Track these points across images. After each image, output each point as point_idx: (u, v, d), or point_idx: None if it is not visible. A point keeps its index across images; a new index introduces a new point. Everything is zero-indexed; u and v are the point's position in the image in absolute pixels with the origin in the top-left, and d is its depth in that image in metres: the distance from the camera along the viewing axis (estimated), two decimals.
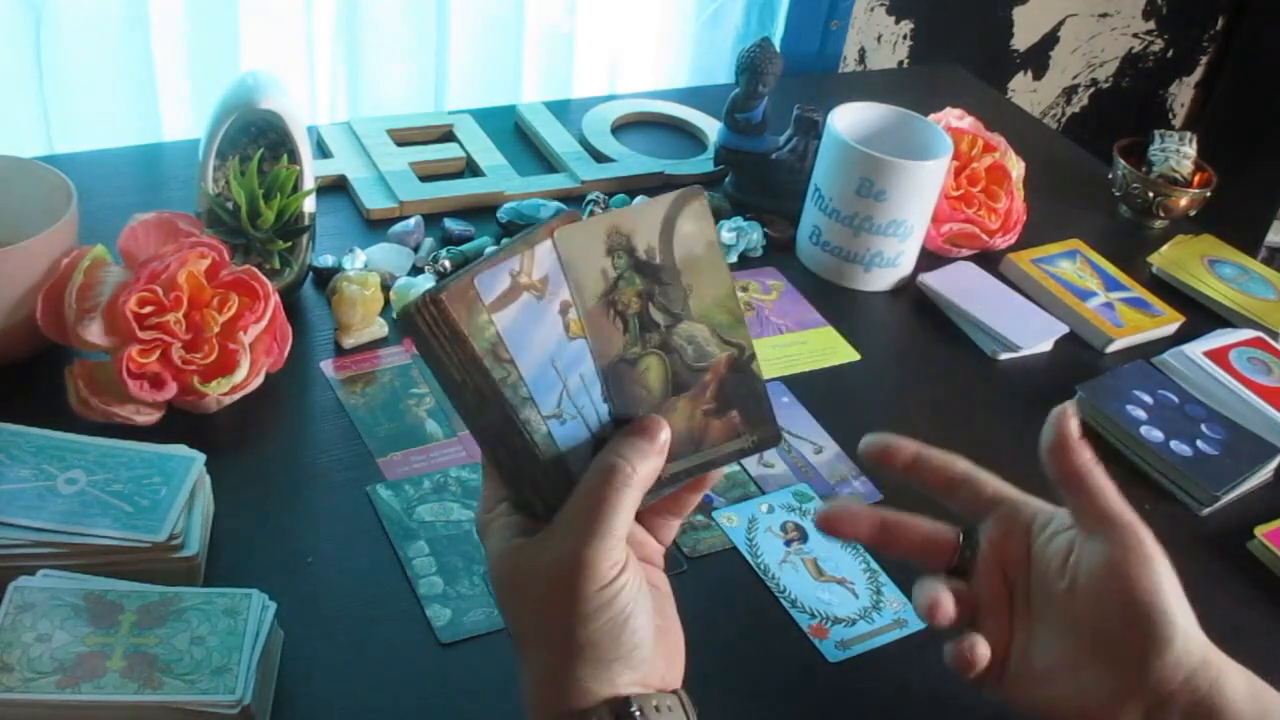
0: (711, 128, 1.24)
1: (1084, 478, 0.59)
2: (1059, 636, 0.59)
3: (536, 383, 0.51)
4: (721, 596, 0.75)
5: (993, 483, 0.63)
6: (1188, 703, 0.56)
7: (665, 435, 0.53)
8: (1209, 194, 1.21)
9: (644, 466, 0.51)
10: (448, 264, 0.97)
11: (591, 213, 1.04)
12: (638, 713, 0.50)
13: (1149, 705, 0.56)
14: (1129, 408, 0.93)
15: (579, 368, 0.52)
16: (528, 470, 0.52)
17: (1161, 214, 1.21)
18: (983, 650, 0.59)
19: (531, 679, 0.52)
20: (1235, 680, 0.57)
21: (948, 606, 0.60)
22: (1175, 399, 0.95)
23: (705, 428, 0.55)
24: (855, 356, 0.98)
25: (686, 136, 1.26)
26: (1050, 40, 1.81)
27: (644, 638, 0.51)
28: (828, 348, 0.98)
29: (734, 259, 1.06)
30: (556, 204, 1.04)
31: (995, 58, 1.77)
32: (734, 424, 0.56)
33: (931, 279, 1.06)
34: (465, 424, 0.54)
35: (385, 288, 0.92)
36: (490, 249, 0.95)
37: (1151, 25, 1.90)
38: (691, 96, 1.32)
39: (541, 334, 0.51)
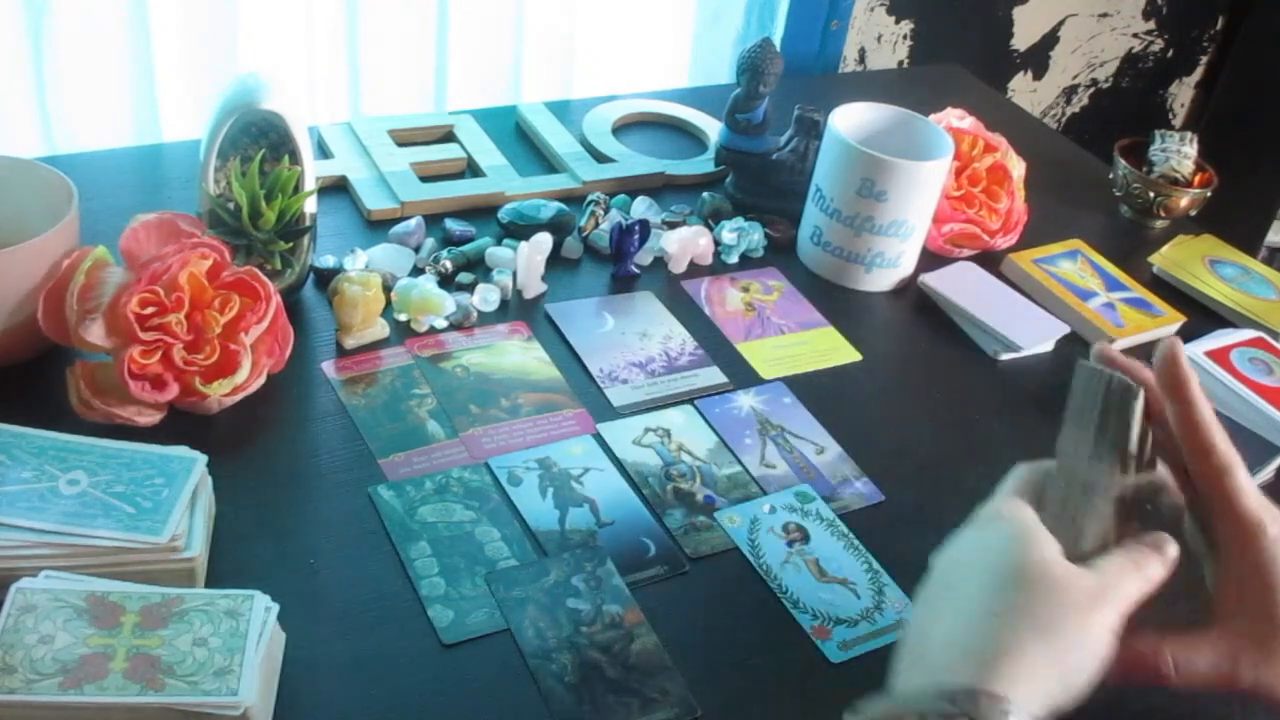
0: (712, 128, 1.24)
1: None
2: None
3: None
4: (723, 597, 0.75)
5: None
6: None
7: (1173, 551, 0.61)
8: (1209, 194, 1.21)
9: (1158, 574, 0.60)
10: (448, 265, 0.97)
11: (592, 214, 1.04)
12: None
13: None
14: None
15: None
16: (1068, 518, 0.62)
17: (1162, 214, 1.22)
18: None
19: (933, 653, 0.58)
20: None
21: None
22: None
23: None
24: (856, 357, 0.98)
25: (687, 137, 1.26)
26: (1050, 40, 1.81)
27: (1085, 681, 0.57)
28: (829, 348, 0.98)
29: (735, 259, 1.06)
30: (557, 204, 1.04)
31: (995, 58, 1.77)
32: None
33: (932, 279, 1.06)
34: (1061, 462, 0.63)
35: (386, 288, 0.92)
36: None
37: (1151, 25, 1.90)
38: (692, 96, 1.32)
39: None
